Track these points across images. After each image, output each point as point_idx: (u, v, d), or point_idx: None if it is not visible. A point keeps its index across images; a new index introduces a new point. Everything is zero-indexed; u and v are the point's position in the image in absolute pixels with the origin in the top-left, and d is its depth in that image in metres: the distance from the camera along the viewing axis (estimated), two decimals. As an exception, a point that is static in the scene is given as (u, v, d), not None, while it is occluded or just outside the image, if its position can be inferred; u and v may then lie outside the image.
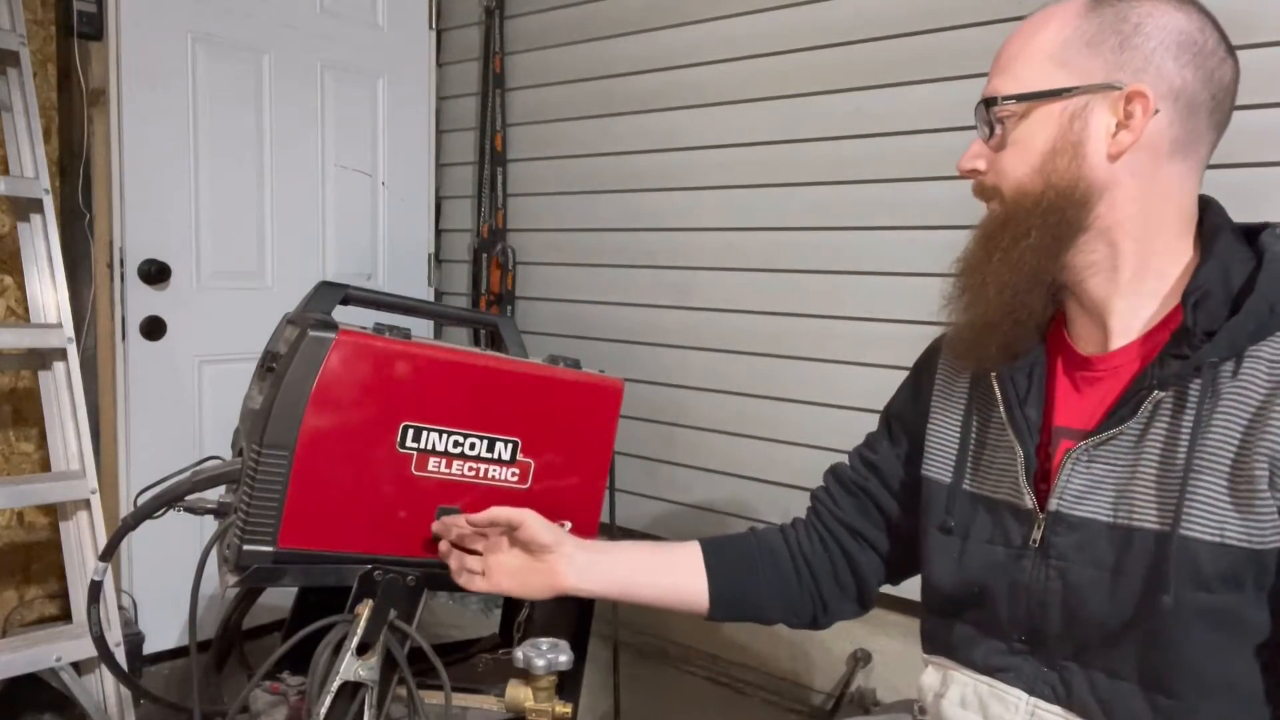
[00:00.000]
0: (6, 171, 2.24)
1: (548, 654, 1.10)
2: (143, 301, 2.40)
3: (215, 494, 1.15)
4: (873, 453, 1.15)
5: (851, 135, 2.14)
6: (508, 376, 1.15)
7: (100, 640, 1.17)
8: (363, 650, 1.04)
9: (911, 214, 2.03)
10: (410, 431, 1.09)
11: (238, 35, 2.55)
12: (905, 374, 1.17)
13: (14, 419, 2.42)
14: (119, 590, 2.38)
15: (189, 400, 2.50)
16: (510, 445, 1.14)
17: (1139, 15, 0.87)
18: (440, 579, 1.14)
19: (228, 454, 1.22)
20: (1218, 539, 0.81)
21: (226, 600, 1.30)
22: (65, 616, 2.29)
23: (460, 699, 1.13)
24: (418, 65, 3.01)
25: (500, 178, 2.90)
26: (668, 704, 2.38)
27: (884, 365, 2.03)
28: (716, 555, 1.15)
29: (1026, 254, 0.89)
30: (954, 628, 1.01)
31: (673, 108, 2.47)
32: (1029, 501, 0.93)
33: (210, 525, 1.14)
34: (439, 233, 3.13)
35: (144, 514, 1.10)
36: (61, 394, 2.18)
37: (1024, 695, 0.93)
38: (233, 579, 1.07)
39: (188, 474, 1.13)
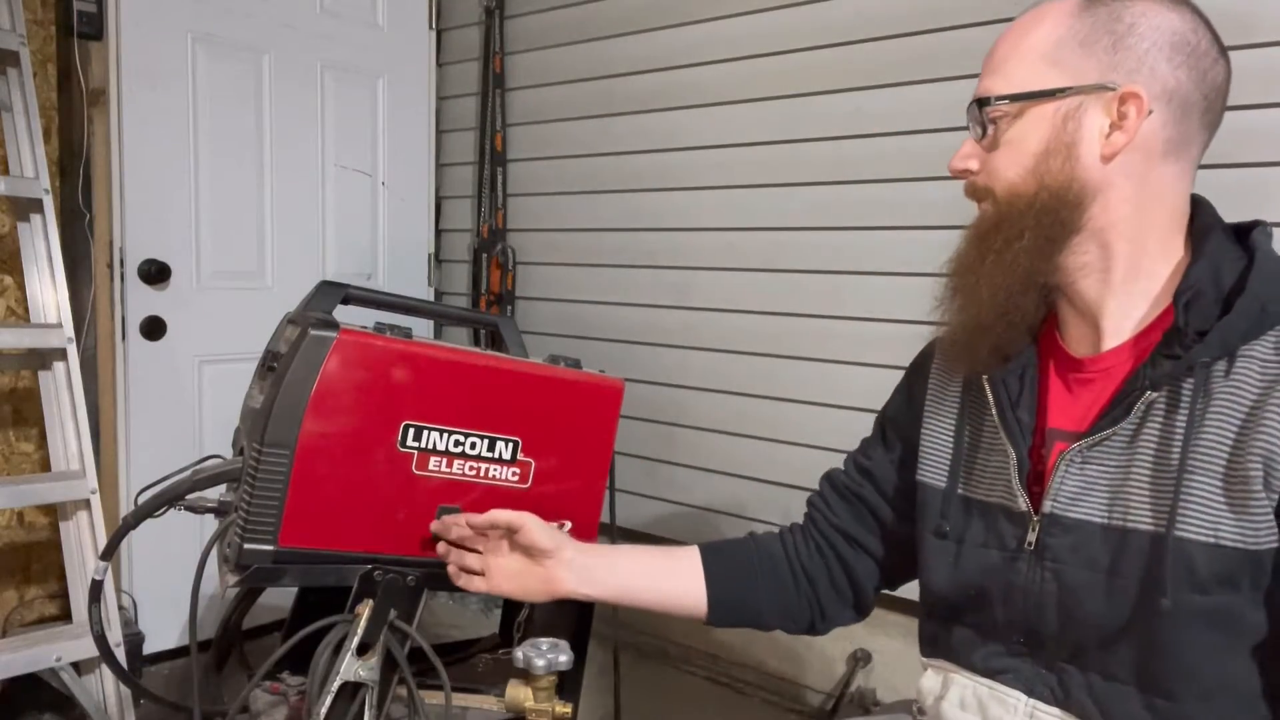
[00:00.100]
0: (6, 171, 2.24)
1: (548, 654, 1.10)
2: (143, 301, 2.40)
3: (216, 493, 1.15)
4: (867, 459, 1.15)
5: (851, 135, 2.14)
6: (508, 376, 1.15)
7: (101, 639, 1.17)
8: (363, 650, 1.04)
9: (911, 214, 2.03)
10: (411, 431, 1.09)
11: (238, 35, 2.55)
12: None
13: (14, 419, 2.42)
14: (119, 590, 2.38)
15: (189, 400, 2.50)
16: (511, 445, 1.14)
17: (1132, 15, 0.87)
18: (440, 579, 1.14)
19: (228, 454, 1.22)
20: (1212, 540, 0.81)
21: (226, 600, 1.30)
22: (65, 616, 2.29)
23: (460, 699, 1.13)
24: (418, 65, 3.01)
25: (500, 178, 2.90)
26: (668, 704, 2.38)
27: (884, 365, 2.03)
28: (715, 561, 1.15)
29: (1020, 256, 0.88)
30: (953, 631, 1.01)
31: (673, 108, 2.47)
32: (1022, 504, 0.93)
33: (210, 525, 1.14)
34: (439, 233, 3.13)
35: (144, 513, 1.10)
36: (61, 394, 2.18)
37: (1023, 697, 0.93)
38: (233, 578, 1.07)
39: (188, 473, 1.13)
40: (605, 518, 1.26)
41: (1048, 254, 0.89)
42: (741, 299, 2.36)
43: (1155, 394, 0.85)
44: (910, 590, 1.12)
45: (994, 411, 0.96)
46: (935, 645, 1.04)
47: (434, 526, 1.12)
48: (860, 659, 2.17)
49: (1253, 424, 0.81)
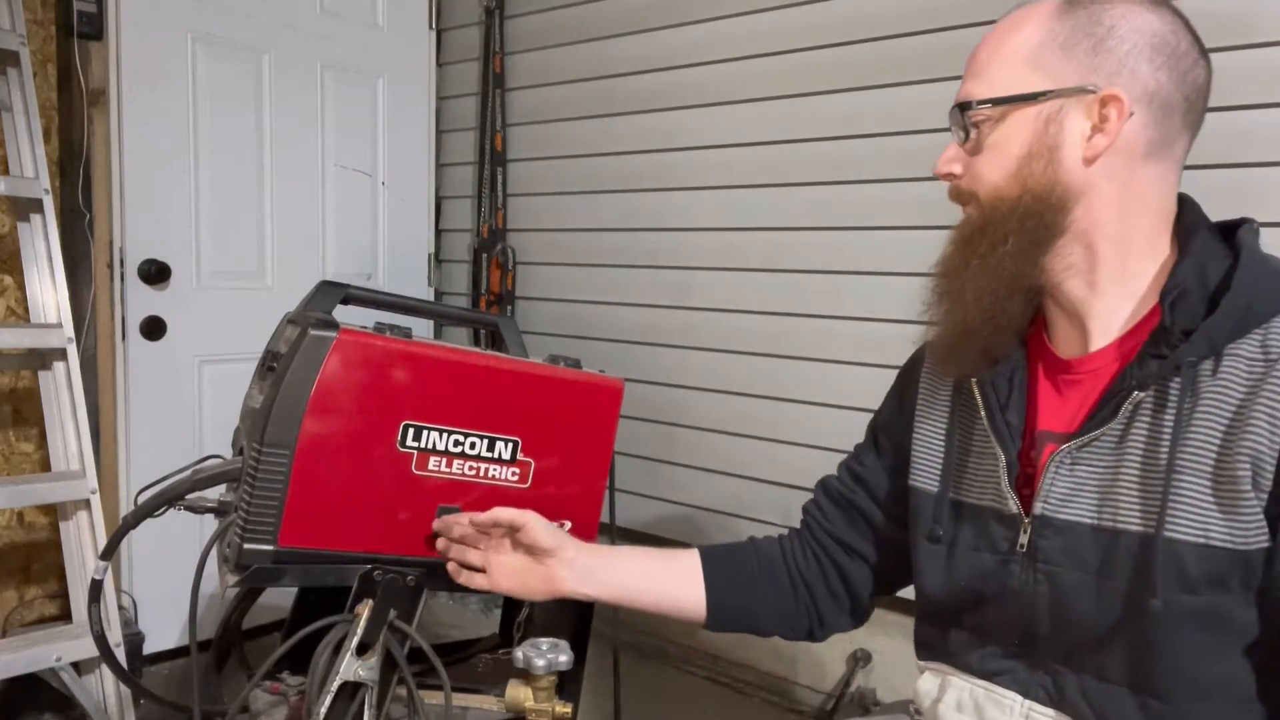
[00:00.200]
0: (6, 171, 2.24)
1: (548, 654, 1.10)
2: (143, 301, 2.40)
3: (215, 493, 1.15)
4: (860, 465, 1.15)
5: (851, 135, 2.14)
6: (508, 376, 1.15)
7: (101, 639, 1.17)
8: (363, 650, 1.04)
9: (911, 214, 2.03)
10: (411, 431, 1.09)
11: (238, 35, 2.55)
12: (903, 376, 1.17)
13: (14, 419, 2.42)
14: (119, 590, 2.38)
15: (189, 400, 2.50)
16: (511, 445, 1.14)
17: (1112, 18, 0.87)
18: (440, 579, 1.14)
19: (228, 454, 1.22)
20: (1202, 540, 0.81)
21: (226, 600, 1.30)
22: (65, 616, 2.29)
23: (460, 699, 1.13)
24: (418, 65, 3.01)
25: (500, 178, 2.90)
26: (668, 704, 2.38)
27: (884, 365, 2.03)
28: (715, 566, 1.15)
29: (1004, 260, 0.89)
30: (949, 634, 1.01)
31: (673, 108, 2.47)
32: (1013, 506, 0.93)
33: (210, 525, 1.14)
34: (439, 233, 3.13)
35: (144, 512, 1.10)
36: (61, 394, 2.18)
37: (1019, 698, 0.93)
38: (233, 578, 1.07)
39: (188, 473, 1.13)
40: (605, 518, 1.26)
41: (1032, 257, 0.89)
42: (741, 299, 2.35)
43: (1142, 394, 0.85)
44: (911, 590, 1.12)
45: (983, 415, 0.97)
46: (931, 648, 1.05)
47: (436, 525, 1.12)
48: (860, 659, 2.17)
49: (1240, 424, 0.81)
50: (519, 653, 1.10)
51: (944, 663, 1.02)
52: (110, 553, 1.16)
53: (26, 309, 2.27)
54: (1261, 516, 0.80)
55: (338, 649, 1.04)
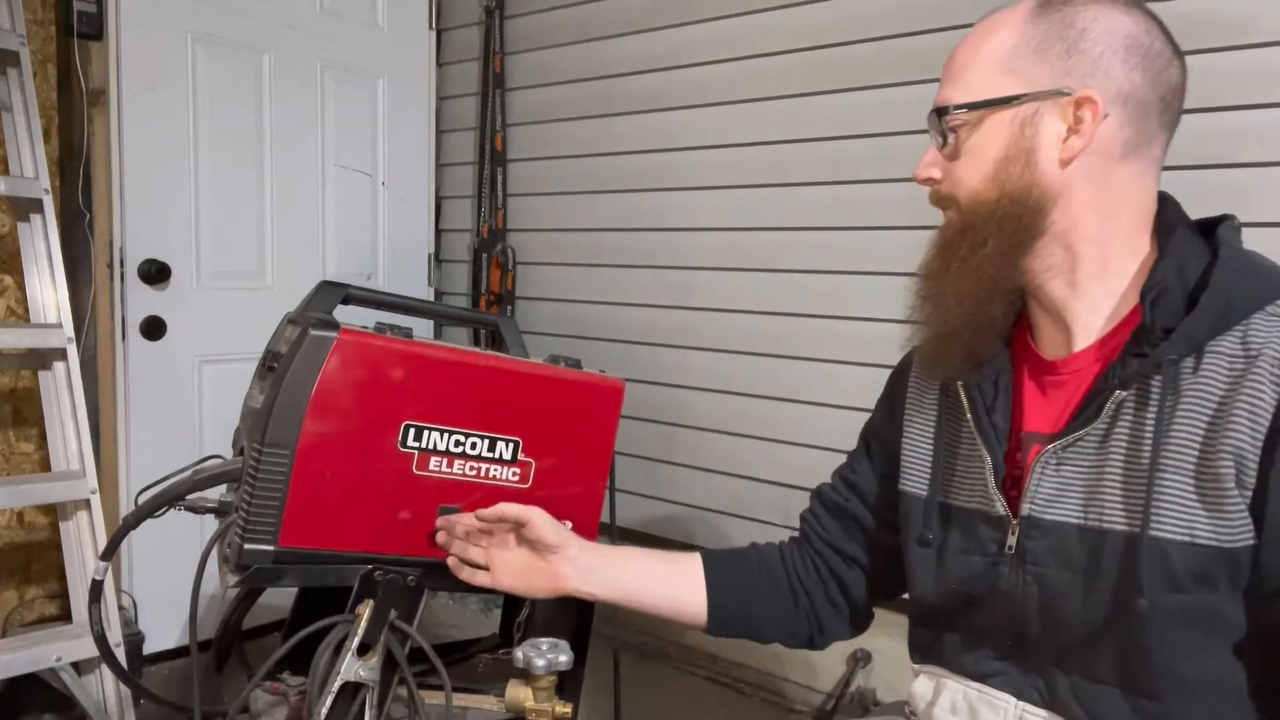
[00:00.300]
0: (6, 171, 2.24)
1: (548, 654, 1.10)
2: (143, 301, 2.40)
3: (216, 493, 1.15)
4: (853, 473, 1.16)
5: (851, 135, 2.14)
6: (509, 376, 1.15)
7: (101, 639, 1.17)
8: (363, 650, 1.04)
9: (911, 214, 2.03)
10: (411, 431, 1.09)
11: (238, 35, 2.55)
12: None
13: (14, 419, 2.42)
14: (119, 590, 2.38)
15: (189, 400, 2.50)
16: (511, 445, 1.14)
17: (1085, 20, 0.87)
18: (441, 579, 1.14)
19: (228, 454, 1.22)
20: (1187, 538, 0.81)
21: (226, 600, 1.30)
22: (65, 616, 2.29)
23: (460, 699, 1.13)
24: (418, 65, 3.00)
25: (500, 178, 2.90)
26: (668, 704, 2.38)
27: (884, 365, 2.02)
28: (716, 570, 1.15)
29: (984, 263, 0.89)
30: (942, 637, 1.02)
31: (673, 108, 2.47)
32: (1000, 508, 0.93)
33: (211, 525, 1.14)
34: (439, 233, 3.13)
35: (145, 513, 1.10)
36: (61, 394, 2.18)
37: (1012, 700, 0.94)
38: (233, 579, 1.07)
39: (188, 473, 1.13)
40: (605, 518, 1.26)
41: (1012, 259, 0.89)
42: (742, 299, 2.35)
43: (1125, 393, 0.86)
44: (910, 592, 1.12)
45: (969, 417, 0.97)
46: (925, 652, 1.05)
47: (439, 522, 1.12)
48: (860, 659, 2.17)
49: (1221, 421, 0.81)
50: (519, 653, 1.10)
51: (938, 665, 1.02)
52: (110, 553, 1.16)
53: (26, 309, 2.27)
54: (1246, 514, 0.80)
55: (338, 649, 1.04)
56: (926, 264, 0.95)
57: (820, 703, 2.25)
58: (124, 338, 2.37)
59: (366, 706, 1.04)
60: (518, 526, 1.09)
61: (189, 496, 1.12)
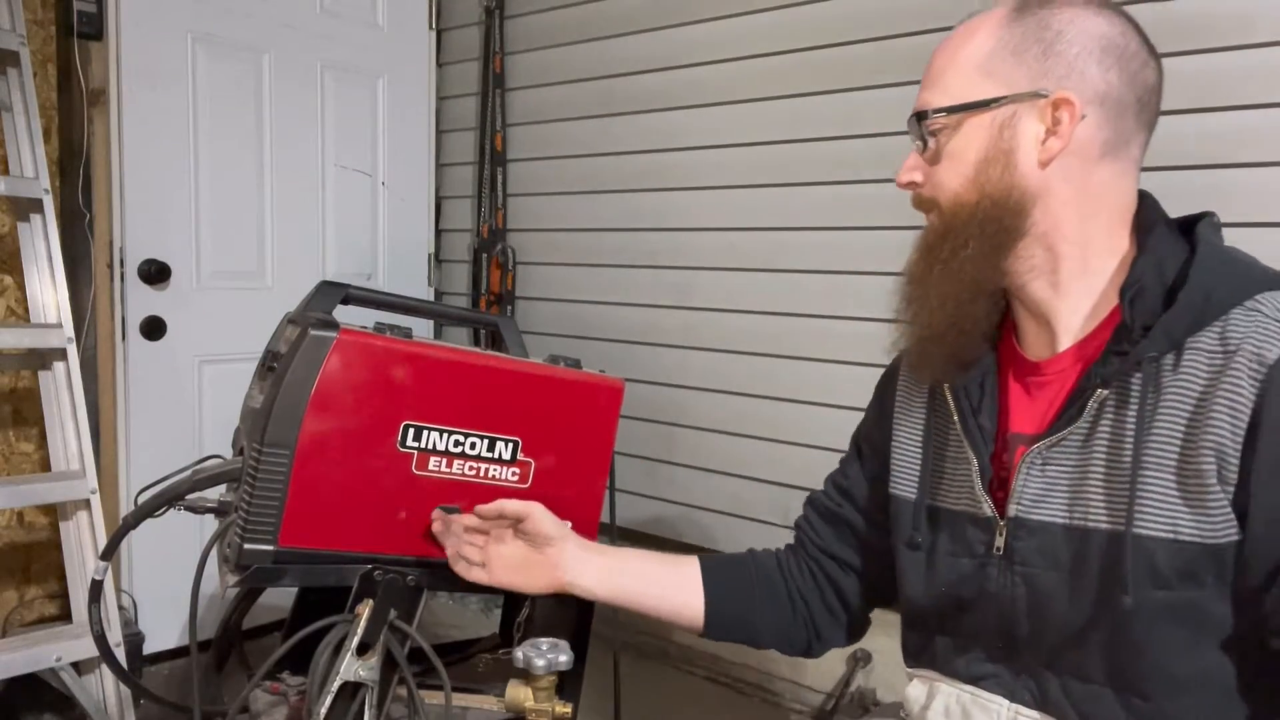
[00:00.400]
0: (6, 171, 2.24)
1: (548, 654, 1.10)
2: (143, 301, 2.40)
3: (216, 493, 1.15)
4: (845, 478, 1.16)
5: (851, 135, 2.14)
6: (508, 376, 1.15)
7: (101, 639, 1.17)
8: (363, 650, 1.04)
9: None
10: (411, 431, 1.09)
11: (238, 35, 2.55)
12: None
13: (14, 419, 2.42)
14: (119, 590, 2.38)
15: (189, 400, 2.50)
16: (511, 445, 1.14)
17: (1060, 22, 0.88)
18: (440, 579, 1.14)
19: (228, 454, 1.22)
20: (1171, 535, 0.81)
21: (226, 600, 1.30)
22: (65, 616, 2.29)
23: (460, 699, 1.13)
24: (418, 65, 3.01)
25: (500, 178, 2.90)
26: (668, 704, 2.38)
27: (884, 365, 2.03)
28: (714, 574, 1.15)
29: (966, 264, 0.90)
30: (934, 640, 1.02)
31: (673, 108, 2.47)
32: (987, 509, 0.94)
33: (210, 525, 1.14)
34: (439, 233, 3.13)
35: (145, 512, 1.10)
36: (61, 394, 2.18)
37: (1005, 702, 0.94)
38: (233, 578, 1.07)
39: (188, 473, 1.13)
40: (605, 518, 1.26)
41: (993, 261, 0.90)
42: (741, 299, 2.35)
43: (1106, 391, 0.86)
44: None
45: (956, 420, 0.97)
46: (918, 656, 1.05)
47: (436, 528, 1.12)
48: (860, 659, 2.17)
49: (1202, 417, 0.81)
50: (519, 653, 1.10)
51: (930, 669, 1.03)
52: (110, 553, 1.16)
53: (26, 309, 2.27)
54: (1229, 510, 0.80)
55: (338, 649, 1.04)
56: (910, 267, 0.96)
57: (820, 703, 2.25)
58: (124, 338, 2.37)
59: (366, 706, 1.04)
60: (516, 522, 1.09)
61: (189, 496, 1.12)
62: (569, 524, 1.15)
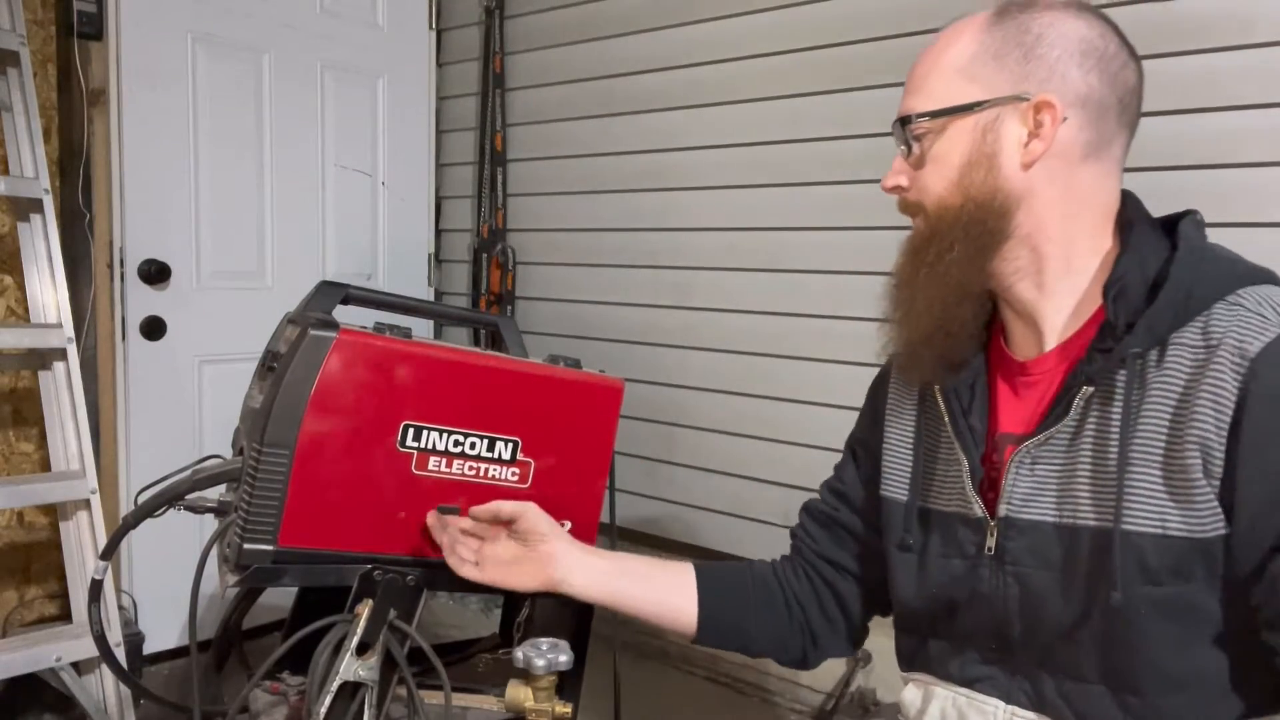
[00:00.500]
0: (6, 171, 2.24)
1: (548, 654, 1.09)
2: (143, 301, 2.40)
3: (216, 493, 1.15)
4: (840, 482, 1.16)
5: (851, 135, 2.14)
6: (508, 376, 1.15)
7: (101, 639, 1.17)
8: (362, 650, 1.04)
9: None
10: (411, 431, 1.09)
11: (238, 35, 2.55)
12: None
13: (14, 419, 2.42)
14: (119, 590, 2.38)
15: (189, 400, 2.50)
16: (510, 445, 1.14)
17: (1040, 26, 0.89)
18: (440, 578, 1.13)
19: (228, 454, 1.22)
20: (1159, 531, 0.82)
21: (226, 600, 1.30)
22: (65, 616, 2.29)
23: (460, 699, 1.13)
24: (418, 65, 3.01)
25: (500, 178, 2.91)
26: (668, 704, 2.38)
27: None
28: (709, 579, 1.14)
29: (952, 267, 0.91)
30: (928, 643, 1.02)
31: (673, 108, 2.47)
32: (978, 510, 0.94)
33: (210, 525, 1.14)
34: (439, 233, 3.13)
35: (145, 512, 1.10)
36: (61, 394, 2.18)
37: (1000, 704, 0.94)
38: (233, 578, 1.07)
39: (188, 473, 1.13)
40: (605, 518, 1.26)
41: (979, 263, 0.91)
42: (741, 299, 2.35)
43: (1092, 389, 0.87)
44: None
45: (947, 421, 0.98)
46: (912, 659, 1.05)
47: (431, 521, 1.11)
48: (860, 659, 2.17)
49: (1186, 412, 0.81)
50: (519, 653, 1.10)
51: (925, 672, 1.03)
52: (110, 553, 1.16)
53: (26, 309, 2.27)
54: (1216, 504, 0.80)
55: (338, 649, 1.04)
56: (897, 270, 0.98)
57: (820, 703, 2.25)
58: (124, 338, 2.37)
59: (366, 706, 1.04)
60: (510, 523, 1.09)
61: (189, 496, 1.11)
62: (569, 524, 1.15)
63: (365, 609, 1.06)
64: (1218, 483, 0.80)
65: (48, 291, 2.21)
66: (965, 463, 0.95)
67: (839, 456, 1.21)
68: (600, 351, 2.60)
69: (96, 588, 1.14)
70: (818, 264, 2.21)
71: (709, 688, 2.40)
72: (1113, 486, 0.84)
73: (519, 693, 1.11)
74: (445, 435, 1.11)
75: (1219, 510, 0.80)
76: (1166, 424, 0.82)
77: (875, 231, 2.11)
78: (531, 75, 2.84)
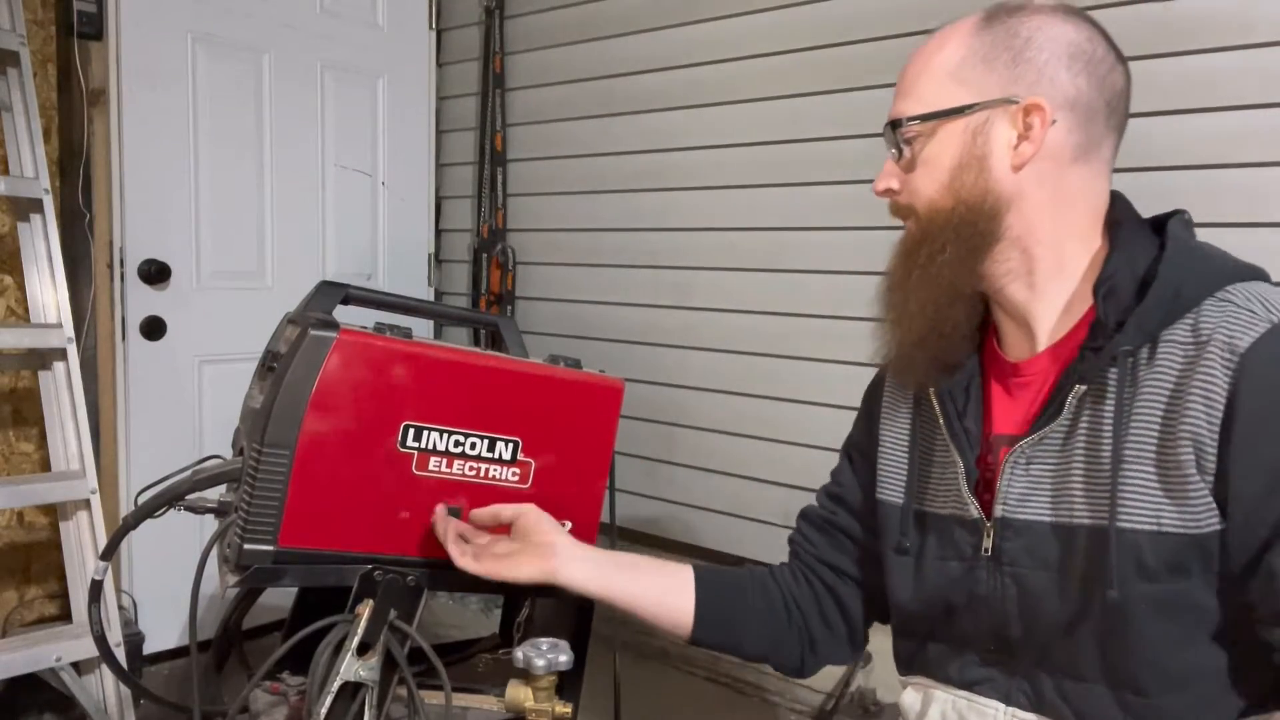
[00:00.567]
0: (6, 171, 2.24)
1: (548, 654, 1.09)
2: (143, 301, 2.40)
3: (216, 493, 1.15)
4: (838, 486, 1.16)
5: (851, 135, 2.14)
6: (508, 376, 1.15)
7: (101, 639, 1.17)
8: (363, 650, 1.04)
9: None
10: (411, 431, 1.09)
11: (238, 35, 2.55)
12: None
13: (14, 419, 2.42)
14: (119, 590, 2.38)
15: (189, 400, 2.50)
16: (511, 445, 1.14)
17: (1029, 29, 0.90)
18: (441, 578, 1.13)
19: (228, 454, 1.22)
20: (1155, 527, 0.82)
21: (226, 600, 1.30)
22: (65, 616, 2.29)
23: (460, 699, 1.13)
24: (418, 65, 3.01)
25: (500, 178, 2.91)
26: (668, 704, 2.38)
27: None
28: (707, 579, 1.14)
29: (943, 269, 0.91)
30: (926, 646, 1.02)
31: (673, 108, 2.47)
32: (974, 511, 0.94)
33: (210, 525, 1.14)
34: (439, 233, 3.13)
35: (145, 513, 1.10)
36: (61, 394, 2.18)
37: (1000, 706, 0.94)
38: (233, 579, 1.07)
39: (188, 473, 1.13)
40: (605, 518, 1.26)
41: (970, 265, 0.92)
42: (741, 299, 2.35)
43: (1084, 388, 0.87)
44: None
45: (942, 423, 0.98)
46: (910, 663, 1.05)
47: (435, 518, 1.11)
48: (861, 659, 2.17)
49: (1178, 408, 0.82)
50: (519, 653, 1.10)
51: (924, 676, 1.03)
52: (110, 553, 1.16)
53: (26, 309, 2.27)
54: (1210, 500, 0.80)
55: (338, 649, 1.04)
56: (889, 273, 0.99)
57: (820, 703, 2.25)
58: (124, 338, 2.37)
59: (366, 706, 1.04)
60: (510, 525, 1.09)
61: (189, 496, 1.11)
62: (569, 524, 1.15)
63: (366, 609, 1.06)
64: (1211, 478, 0.80)
65: (48, 291, 2.21)
66: (960, 465, 0.95)
67: (838, 458, 1.21)
68: (600, 351, 2.60)
69: (96, 588, 1.14)
70: (818, 264, 2.21)
71: (709, 688, 2.40)
72: (1107, 485, 0.84)
73: (519, 693, 1.11)
74: (446, 435, 1.11)
75: (1213, 505, 0.80)
76: (1159, 421, 0.83)
77: (875, 231, 2.11)
78: (531, 75, 2.84)
